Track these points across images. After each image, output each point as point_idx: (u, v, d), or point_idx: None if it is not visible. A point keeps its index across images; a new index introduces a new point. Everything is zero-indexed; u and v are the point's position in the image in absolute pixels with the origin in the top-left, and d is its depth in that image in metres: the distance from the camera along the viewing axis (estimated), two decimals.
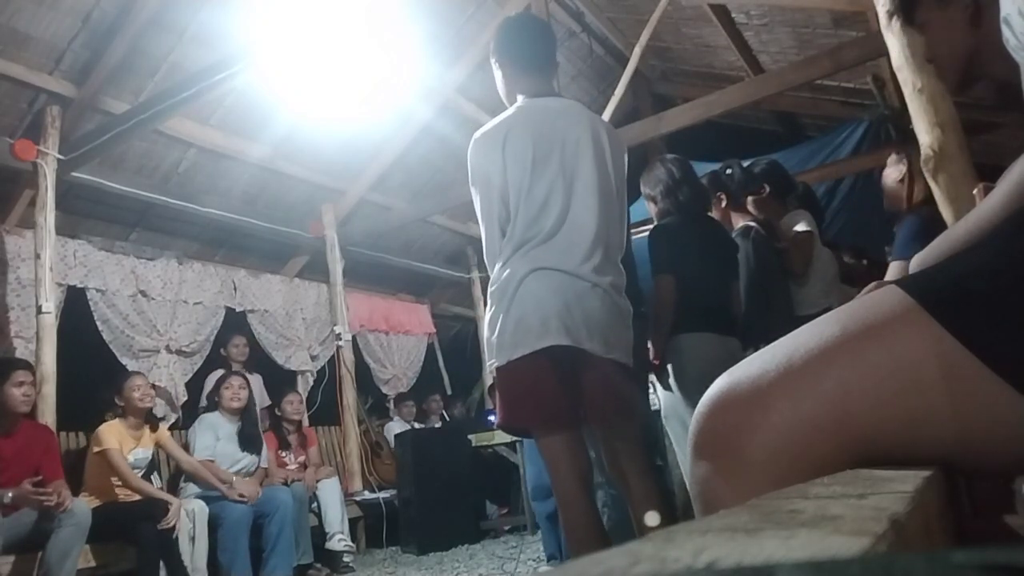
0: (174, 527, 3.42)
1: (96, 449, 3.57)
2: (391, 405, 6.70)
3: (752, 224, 3.05)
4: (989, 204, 0.72)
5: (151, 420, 3.89)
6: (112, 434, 3.58)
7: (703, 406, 0.65)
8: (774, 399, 0.60)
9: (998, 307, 0.56)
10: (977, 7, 0.87)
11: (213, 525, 3.67)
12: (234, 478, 3.93)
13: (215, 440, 4.03)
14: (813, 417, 0.59)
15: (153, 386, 4.70)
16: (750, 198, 3.22)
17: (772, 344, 0.65)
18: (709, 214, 2.98)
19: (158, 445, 3.87)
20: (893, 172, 2.78)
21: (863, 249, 3.89)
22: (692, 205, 2.80)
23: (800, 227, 3.11)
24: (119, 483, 3.55)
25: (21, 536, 3.03)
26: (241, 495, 3.83)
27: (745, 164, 3.32)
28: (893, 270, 2.34)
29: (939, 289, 0.59)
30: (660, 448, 4.38)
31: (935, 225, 2.17)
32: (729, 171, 3.16)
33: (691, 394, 2.46)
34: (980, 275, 0.59)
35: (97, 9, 3.78)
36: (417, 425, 6.24)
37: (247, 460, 4.12)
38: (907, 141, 2.85)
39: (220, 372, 4.89)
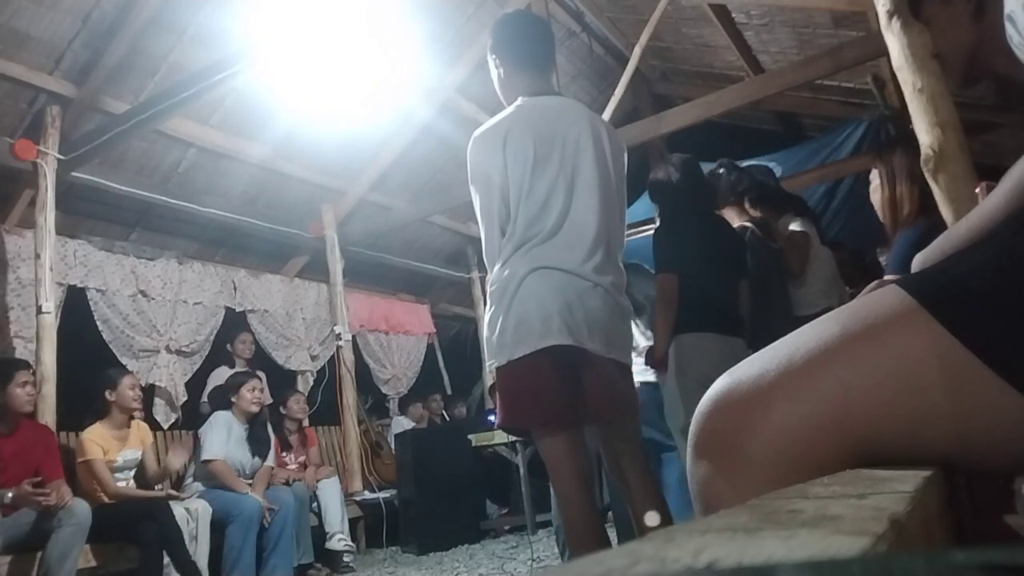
0: (174, 521, 3.41)
1: (80, 459, 3.57)
2: (390, 405, 6.71)
3: (748, 224, 3.06)
4: (991, 203, 0.72)
5: (136, 417, 3.87)
6: (95, 441, 3.56)
7: (703, 406, 0.65)
8: (774, 399, 0.60)
9: (998, 306, 0.56)
10: (980, 1, 0.86)
11: (223, 521, 3.66)
12: (248, 489, 3.92)
13: (227, 439, 4.02)
14: (813, 417, 0.59)
15: (152, 387, 4.72)
16: (747, 197, 3.24)
17: (772, 344, 0.65)
18: (716, 213, 2.99)
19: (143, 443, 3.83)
20: (873, 187, 2.36)
21: (860, 251, 3.89)
22: (698, 204, 2.80)
23: (795, 226, 3.12)
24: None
25: (21, 536, 3.03)
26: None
27: (744, 165, 3.33)
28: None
29: (939, 289, 0.59)
30: None
31: (933, 237, 2.01)
32: (721, 171, 3.17)
33: (692, 394, 2.46)
34: (980, 274, 0.59)
35: (97, 9, 3.78)
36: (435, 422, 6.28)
37: (254, 463, 4.12)
38: (887, 144, 2.47)
39: (224, 368, 4.89)
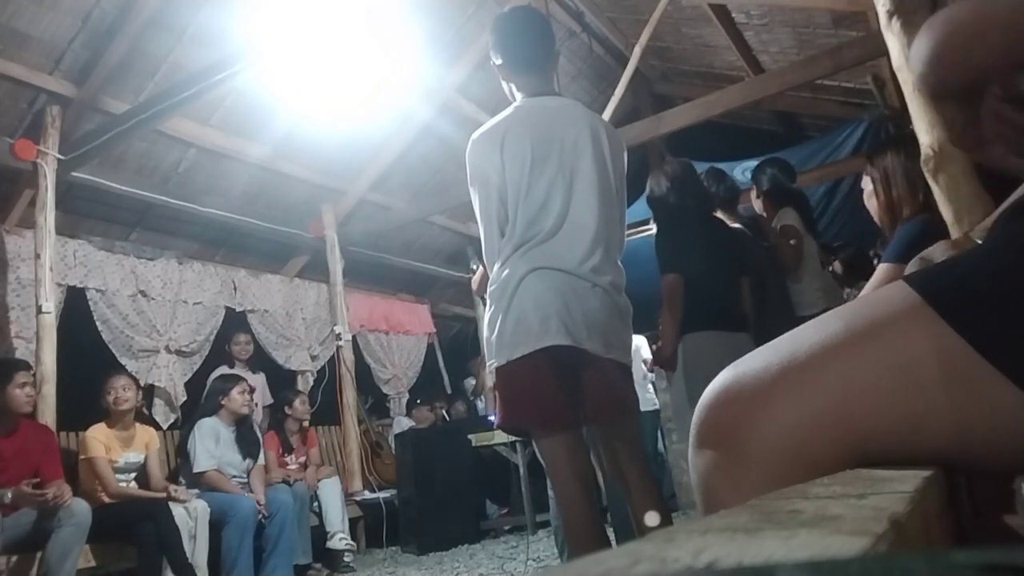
0: (172, 522, 3.41)
1: (83, 456, 3.58)
2: (390, 405, 6.71)
3: (737, 226, 3.10)
4: None
5: (142, 420, 3.85)
6: (98, 440, 3.56)
7: (706, 398, 0.65)
8: (776, 394, 0.60)
9: (1004, 305, 0.56)
10: None
11: (220, 523, 3.66)
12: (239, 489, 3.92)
13: (216, 446, 4.00)
14: (814, 413, 0.59)
15: (152, 387, 4.71)
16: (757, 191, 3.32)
17: (776, 339, 0.65)
18: (715, 214, 3.01)
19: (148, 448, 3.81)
20: (867, 193, 2.26)
21: (864, 249, 3.90)
22: (696, 206, 2.83)
23: (785, 221, 3.16)
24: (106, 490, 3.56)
25: (21, 536, 3.03)
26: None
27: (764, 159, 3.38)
28: (881, 273, 2.06)
29: (945, 286, 0.59)
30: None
31: (937, 232, 1.88)
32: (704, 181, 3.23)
33: (699, 392, 2.47)
34: (986, 273, 0.58)
35: (97, 9, 3.77)
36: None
37: (246, 464, 4.11)
38: (877, 147, 2.37)
39: (224, 369, 4.89)
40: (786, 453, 0.58)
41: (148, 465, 3.79)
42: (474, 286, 2.60)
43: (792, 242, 3.10)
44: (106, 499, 3.51)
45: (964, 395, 0.55)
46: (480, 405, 6.74)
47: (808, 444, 0.58)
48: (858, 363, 0.58)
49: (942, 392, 0.56)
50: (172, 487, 3.70)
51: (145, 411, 4.41)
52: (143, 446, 3.78)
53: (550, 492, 2.97)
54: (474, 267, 2.73)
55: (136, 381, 4.01)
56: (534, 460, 4.29)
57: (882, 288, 0.63)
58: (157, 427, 4.53)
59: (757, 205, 3.40)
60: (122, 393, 3.69)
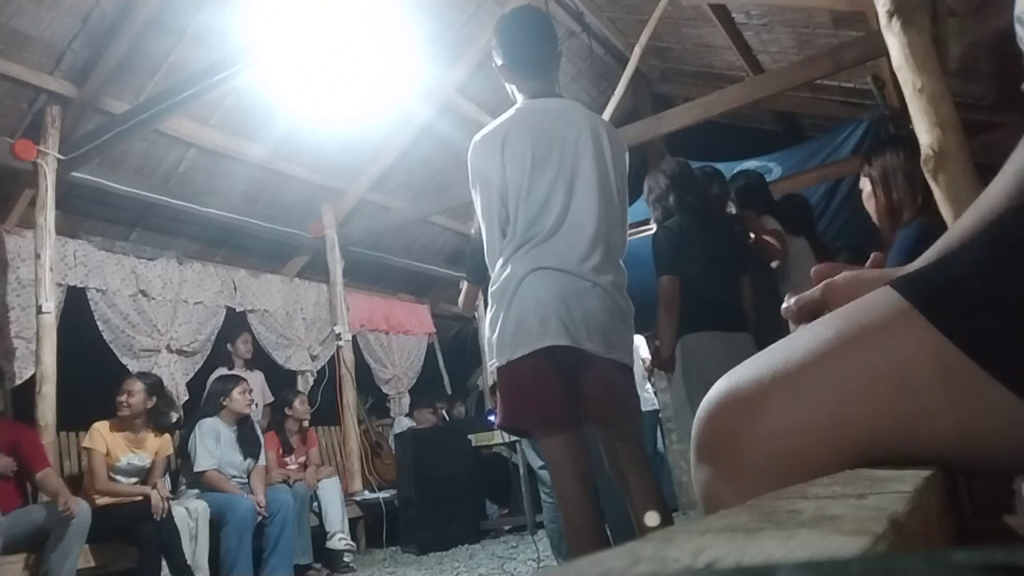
0: (172, 522, 3.40)
1: (83, 445, 3.60)
2: (390, 405, 6.71)
3: None
4: (988, 200, 0.71)
5: (159, 425, 3.78)
6: (101, 435, 3.56)
7: (703, 410, 0.65)
8: (770, 403, 0.60)
9: (992, 309, 0.56)
10: None
11: (218, 523, 3.65)
12: (239, 490, 3.91)
13: (216, 446, 3.99)
14: (809, 421, 0.59)
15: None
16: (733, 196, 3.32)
17: (769, 347, 0.65)
18: (713, 212, 3.01)
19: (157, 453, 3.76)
20: (866, 195, 2.22)
21: (861, 249, 3.90)
22: (695, 205, 2.82)
23: (769, 226, 3.17)
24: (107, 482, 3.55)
25: (21, 536, 3.04)
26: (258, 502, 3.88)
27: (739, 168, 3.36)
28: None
29: (933, 291, 0.59)
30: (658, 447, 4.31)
31: (936, 234, 1.86)
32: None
33: (699, 393, 2.47)
34: (974, 276, 0.58)
35: (97, 9, 3.77)
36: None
37: (247, 464, 4.11)
38: (875, 148, 2.32)
39: (223, 369, 4.89)
40: (784, 462, 0.58)
41: (153, 470, 3.72)
42: (460, 302, 2.63)
43: (774, 241, 3.10)
44: (98, 499, 3.46)
45: (958, 397, 0.55)
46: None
47: (805, 452, 0.58)
48: (850, 369, 0.58)
49: (936, 394, 0.56)
50: (153, 492, 3.62)
51: (169, 417, 4.26)
52: (152, 452, 3.71)
53: (543, 495, 2.98)
54: (461, 287, 2.76)
55: (147, 388, 3.77)
56: None
57: (870, 294, 0.63)
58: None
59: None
60: (124, 398, 3.64)
